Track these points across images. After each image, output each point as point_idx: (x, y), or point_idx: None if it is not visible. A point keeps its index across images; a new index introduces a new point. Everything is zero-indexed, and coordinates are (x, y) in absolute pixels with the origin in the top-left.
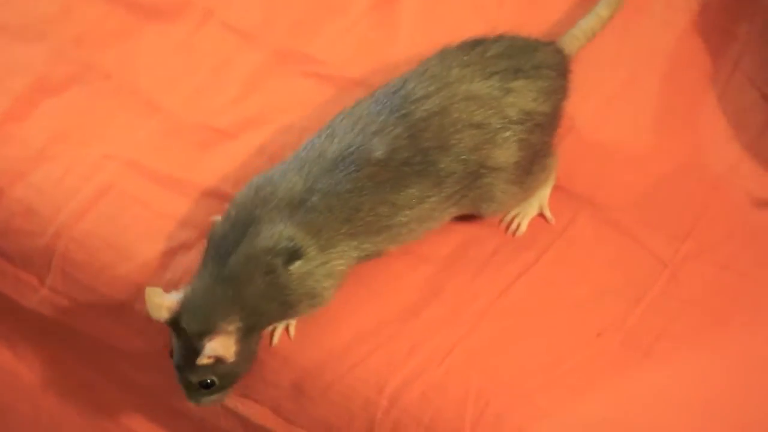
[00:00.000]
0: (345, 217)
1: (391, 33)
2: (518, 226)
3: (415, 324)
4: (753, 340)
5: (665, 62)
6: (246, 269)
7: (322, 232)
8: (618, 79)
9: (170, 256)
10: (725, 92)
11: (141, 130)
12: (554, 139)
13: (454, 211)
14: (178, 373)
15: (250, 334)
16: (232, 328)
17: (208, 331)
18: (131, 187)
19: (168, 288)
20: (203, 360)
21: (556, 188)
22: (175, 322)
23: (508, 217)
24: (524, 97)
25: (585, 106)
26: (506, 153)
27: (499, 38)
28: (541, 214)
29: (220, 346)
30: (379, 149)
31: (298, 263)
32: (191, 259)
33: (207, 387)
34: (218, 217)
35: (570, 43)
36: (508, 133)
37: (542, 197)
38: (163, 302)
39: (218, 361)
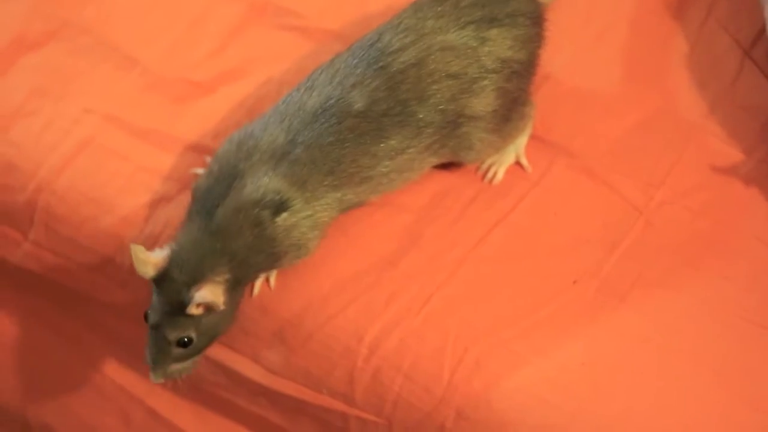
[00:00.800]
0: (328, 168)
1: None
2: (495, 174)
3: (393, 273)
4: (727, 284)
5: (638, 11)
6: (234, 222)
7: (306, 183)
8: (592, 28)
9: (151, 209)
10: (699, 39)
11: (120, 85)
12: (531, 87)
13: (434, 160)
14: (150, 338)
15: (236, 287)
16: (220, 278)
17: (197, 281)
18: (111, 141)
19: (149, 240)
20: (192, 309)
21: (533, 137)
22: (161, 278)
23: (485, 166)
24: (500, 45)
25: (560, 56)
26: (484, 102)
27: None
28: (517, 163)
29: (210, 293)
30: (358, 102)
31: (284, 215)
32: (171, 212)
33: (183, 345)
34: (199, 170)
35: None
36: (485, 82)
37: (519, 145)
38: (149, 259)
39: (206, 311)
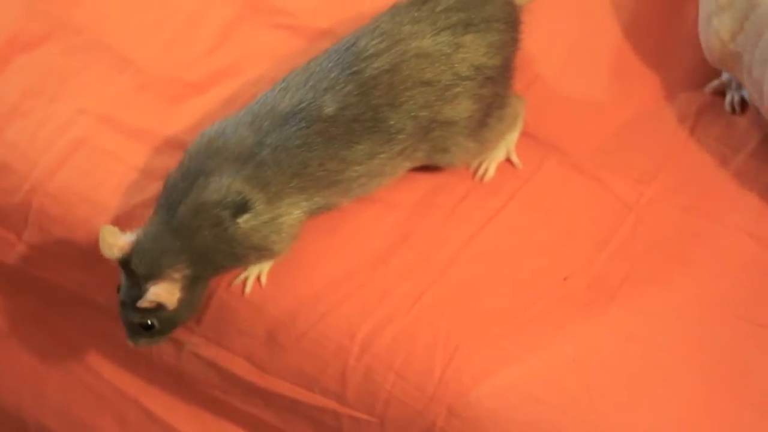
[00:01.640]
0: (293, 171)
1: None
2: (486, 171)
3: (385, 271)
4: (717, 281)
5: (625, 10)
6: (194, 220)
7: (270, 186)
8: (579, 28)
9: (144, 209)
10: (688, 38)
11: (113, 85)
12: (508, 90)
13: (408, 165)
14: (121, 310)
15: (196, 283)
16: (178, 275)
17: (154, 275)
18: (104, 142)
19: None
20: (144, 303)
21: (523, 135)
22: (125, 263)
23: (476, 162)
24: (474, 52)
25: (549, 56)
26: (457, 108)
27: None
28: (508, 160)
29: (164, 292)
30: (330, 106)
31: (245, 216)
32: None
33: (147, 329)
34: None
35: None
36: (458, 89)
37: (509, 143)
38: (116, 241)
39: (159, 306)
